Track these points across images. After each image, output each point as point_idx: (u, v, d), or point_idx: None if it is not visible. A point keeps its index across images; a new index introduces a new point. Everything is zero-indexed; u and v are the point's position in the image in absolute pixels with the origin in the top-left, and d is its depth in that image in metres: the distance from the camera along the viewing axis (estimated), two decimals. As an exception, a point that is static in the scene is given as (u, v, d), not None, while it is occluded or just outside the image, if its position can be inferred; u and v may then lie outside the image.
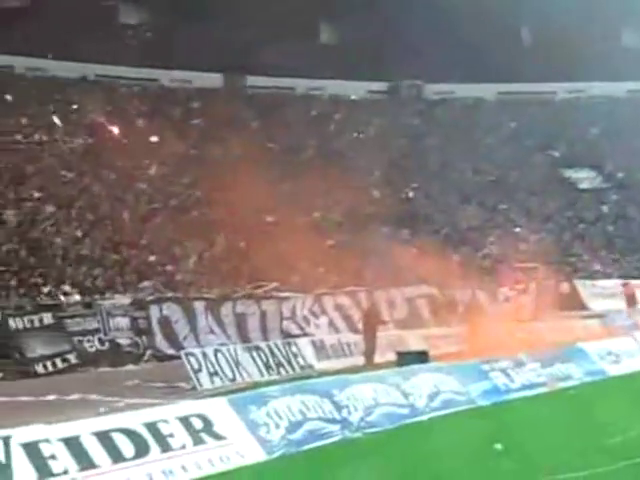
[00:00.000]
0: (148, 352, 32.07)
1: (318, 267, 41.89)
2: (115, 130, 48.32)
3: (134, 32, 52.67)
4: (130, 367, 30.77)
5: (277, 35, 54.13)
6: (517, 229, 49.32)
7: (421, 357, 23.57)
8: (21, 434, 11.93)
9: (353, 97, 60.03)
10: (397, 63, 56.72)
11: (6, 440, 11.61)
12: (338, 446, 16.01)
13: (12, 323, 29.08)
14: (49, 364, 29.06)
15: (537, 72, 57.34)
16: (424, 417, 18.41)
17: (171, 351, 31.58)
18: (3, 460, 11.47)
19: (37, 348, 29.16)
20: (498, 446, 15.04)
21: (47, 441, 12.04)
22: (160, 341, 32.36)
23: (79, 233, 38.09)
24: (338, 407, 16.91)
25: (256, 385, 23.09)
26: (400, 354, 24.56)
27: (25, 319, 29.52)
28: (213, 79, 56.14)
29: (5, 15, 48.23)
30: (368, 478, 13.89)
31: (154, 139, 49.26)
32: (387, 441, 16.62)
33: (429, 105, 60.45)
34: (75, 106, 48.40)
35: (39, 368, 28.77)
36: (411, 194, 51.20)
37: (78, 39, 46.80)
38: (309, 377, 23.81)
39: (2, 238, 33.07)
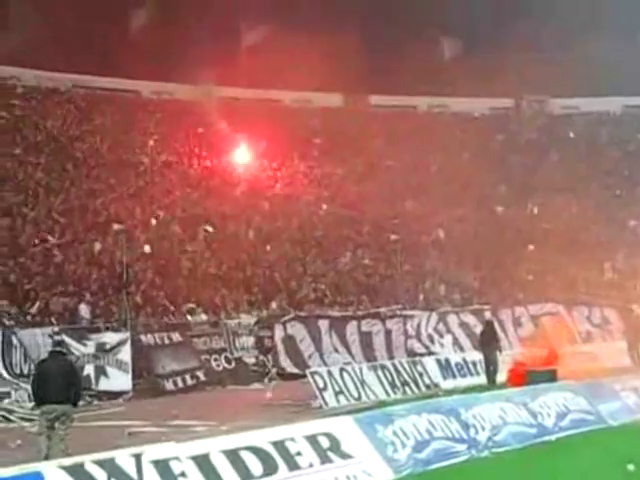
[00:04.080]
0: (273, 371, 32.33)
1: (441, 285, 41.77)
2: (239, 150, 48.91)
3: (253, 53, 53.11)
4: (256, 386, 31.08)
5: (399, 52, 54.12)
6: (645, 244, 48.20)
7: (549, 376, 23.21)
8: (152, 452, 12.11)
9: (476, 114, 59.62)
10: (521, 78, 56.08)
11: (138, 457, 11.80)
12: (465, 466, 15.86)
13: (141, 342, 29.66)
14: (179, 380, 29.56)
15: (665, 84, 56.07)
16: (553, 437, 18.11)
17: (295, 370, 31.77)
18: (135, 477, 11.65)
19: (166, 365, 29.68)
20: (631, 467, 14.69)
21: (177, 459, 12.20)
22: (285, 360, 32.59)
23: (205, 253, 38.56)
24: (465, 426, 16.75)
25: (381, 404, 23.08)
26: (528, 373, 24.21)
27: (155, 336, 30.11)
28: (334, 98, 56.38)
29: (131, 41, 49.36)
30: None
31: (275, 158, 49.82)
32: (515, 461, 16.39)
33: (553, 120, 59.65)
34: (200, 129, 49.14)
35: (169, 384, 29.28)
36: (535, 210, 50.56)
37: (201, 62, 47.46)
38: (435, 396, 23.71)
39: (129, 258, 33.64)
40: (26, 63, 47.60)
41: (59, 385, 16.17)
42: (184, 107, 49.09)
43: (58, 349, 17.22)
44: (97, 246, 35.64)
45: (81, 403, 26.04)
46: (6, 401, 24.81)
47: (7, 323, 27.89)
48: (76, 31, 47.34)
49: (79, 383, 16.54)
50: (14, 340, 26.58)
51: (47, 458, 15.35)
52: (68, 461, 11.36)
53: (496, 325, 32.34)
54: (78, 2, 48.45)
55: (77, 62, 48.15)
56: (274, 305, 36.13)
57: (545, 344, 28.90)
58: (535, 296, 38.92)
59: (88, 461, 11.43)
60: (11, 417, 23.88)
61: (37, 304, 30.13)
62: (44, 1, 46.62)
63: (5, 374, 25.95)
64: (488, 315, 35.23)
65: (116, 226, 34.57)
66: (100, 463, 11.47)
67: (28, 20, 45.18)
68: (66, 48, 46.72)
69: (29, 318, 29.38)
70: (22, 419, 23.48)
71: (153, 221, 39.46)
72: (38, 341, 26.94)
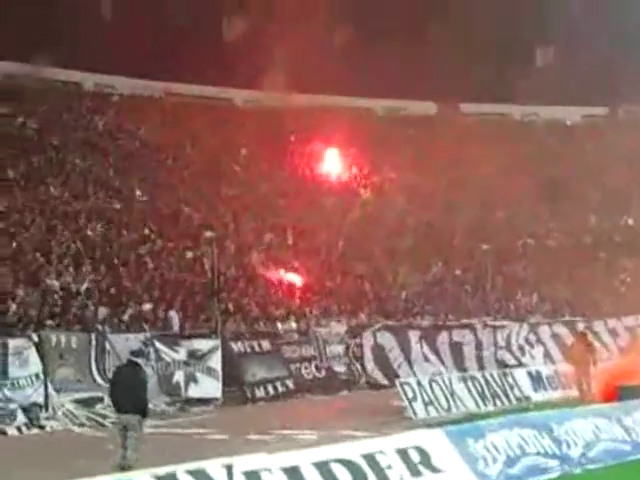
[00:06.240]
0: (362, 380, 32.29)
1: (533, 295, 41.35)
2: (330, 158, 49.10)
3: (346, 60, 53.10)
4: (344, 394, 31.06)
5: (492, 60, 53.90)
6: None
7: (641, 391, 22.74)
8: (243, 462, 12.14)
9: (569, 122, 58.95)
10: (614, 86, 55.34)
11: (229, 468, 11.85)
12: (557, 482, 15.66)
13: (231, 349, 29.80)
14: (270, 388, 29.66)
15: None
16: (648, 454, 17.75)
17: (384, 379, 31.74)
18: (226, 488, 11.71)
19: (256, 373, 29.78)
20: None
21: (268, 470, 12.21)
22: (373, 369, 32.55)
23: (294, 261, 38.66)
24: (557, 442, 16.49)
25: (471, 416, 22.87)
26: (622, 388, 23.77)
27: (245, 344, 30.24)
28: (427, 106, 56.28)
29: (226, 52, 49.86)
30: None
31: (366, 167, 49.91)
32: (608, 478, 16.13)
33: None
34: (292, 138, 49.40)
35: (259, 392, 29.38)
36: (630, 221, 49.73)
37: (294, 70, 47.73)
38: (525, 409, 23.41)
39: (222, 266, 33.87)
40: (121, 71, 48.42)
41: (127, 395, 16.35)
42: (276, 115, 49.31)
43: (133, 359, 17.24)
44: (189, 253, 35.97)
45: (171, 409, 26.81)
46: (98, 406, 25.08)
47: (100, 329, 28.23)
48: (169, 39, 47.92)
49: (144, 395, 16.64)
50: (107, 345, 26.90)
51: (123, 468, 15.52)
52: (161, 471, 11.42)
53: (590, 337, 31.81)
54: (171, 11, 49.11)
55: (171, 70, 48.81)
56: (363, 314, 36.05)
57: None
58: (627, 308, 38.30)
59: (180, 471, 11.49)
60: (104, 422, 24.15)
61: (130, 310, 30.46)
62: (137, 10, 47.24)
63: (98, 379, 26.26)
64: (581, 326, 34.79)
65: (208, 233, 34.82)
66: (192, 473, 11.54)
67: (123, 30, 45.82)
68: (159, 56, 47.34)
69: (122, 324, 29.72)
70: (114, 424, 23.72)
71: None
72: (131, 347, 27.21)
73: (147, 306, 31.11)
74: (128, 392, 16.35)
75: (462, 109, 57.37)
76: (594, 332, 34.81)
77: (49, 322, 27.59)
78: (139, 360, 17.40)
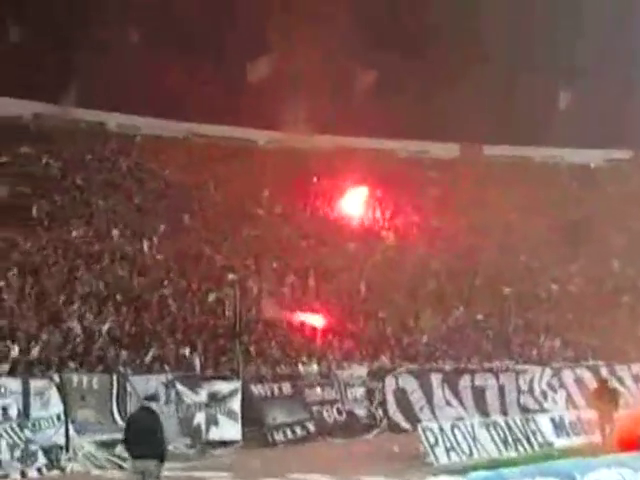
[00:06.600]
0: (383, 423, 32.13)
1: (555, 340, 41.11)
2: (353, 200, 49.13)
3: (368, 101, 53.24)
4: (366, 438, 30.89)
5: (514, 102, 54.00)
6: None
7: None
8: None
9: (592, 165, 58.87)
10: (638, 129, 55.34)
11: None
12: (580, 534, 15.44)
13: (252, 391, 29.71)
14: (290, 431, 29.54)
15: None
16: (672, 506, 17.49)
17: (406, 422, 31.61)
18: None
19: (277, 416, 29.68)
20: None
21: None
22: (395, 413, 32.40)
23: (316, 303, 38.55)
24: (580, 492, 16.30)
25: (493, 462, 22.68)
26: (640, 437, 23.54)
27: (265, 386, 30.15)
28: (450, 148, 56.33)
29: (249, 93, 50.15)
30: None
31: (389, 209, 49.89)
32: (632, 529, 15.90)
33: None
34: (315, 179, 49.50)
35: (279, 435, 29.26)
36: (654, 266, 49.45)
37: (317, 111, 47.94)
38: (548, 456, 23.21)
39: (244, 308, 33.79)
40: (145, 112, 48.76)
41: (143, 440, 16.22)
42: (298, 157, 49.44)
43: (147, 405, 17.13)
44: (211, 296, 35.93)
45: (191, 452, 26.73)
46: (119, 448, 24.97)
47: (122, 370, 28.21)
48: (193, 81, 48.20)
49: (161, 440, 16.52)
50: (128, 387, 26.90)
51: None
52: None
53: (614, 382, 31.63)
54: (196, 53, 49.45)
55: (195, 111, 49.07)
56: (385, 357, 35.89)
57: None
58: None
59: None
60: (124, 464, 24.08)
61: (151, 351, 30.43)
62: (162, 52, 47.63)
63: (119, 421, 26.21)
64: (604, 371, 34.58)
65: (230, 276, 34.80)
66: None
67: (148, 71, 46.23)
68: (183, 97, 47.59)
69: (143, 365, 29.67)
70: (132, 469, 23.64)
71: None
72: (151, 388, 27.16)
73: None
74: (143, 437, 16.24)
75: (484, 151, 57.35)
76: (617, 377, 34.62)
77: (71, 363, 27.61)
78: (153, 405, 17.30)
